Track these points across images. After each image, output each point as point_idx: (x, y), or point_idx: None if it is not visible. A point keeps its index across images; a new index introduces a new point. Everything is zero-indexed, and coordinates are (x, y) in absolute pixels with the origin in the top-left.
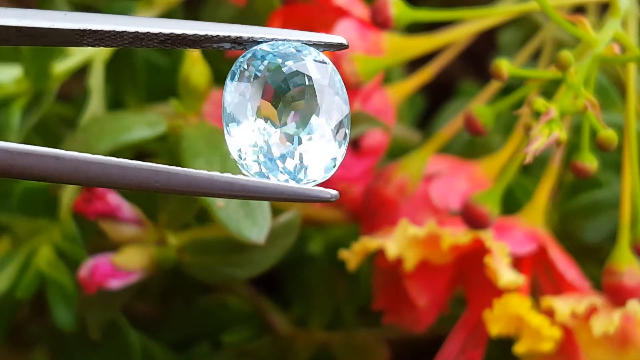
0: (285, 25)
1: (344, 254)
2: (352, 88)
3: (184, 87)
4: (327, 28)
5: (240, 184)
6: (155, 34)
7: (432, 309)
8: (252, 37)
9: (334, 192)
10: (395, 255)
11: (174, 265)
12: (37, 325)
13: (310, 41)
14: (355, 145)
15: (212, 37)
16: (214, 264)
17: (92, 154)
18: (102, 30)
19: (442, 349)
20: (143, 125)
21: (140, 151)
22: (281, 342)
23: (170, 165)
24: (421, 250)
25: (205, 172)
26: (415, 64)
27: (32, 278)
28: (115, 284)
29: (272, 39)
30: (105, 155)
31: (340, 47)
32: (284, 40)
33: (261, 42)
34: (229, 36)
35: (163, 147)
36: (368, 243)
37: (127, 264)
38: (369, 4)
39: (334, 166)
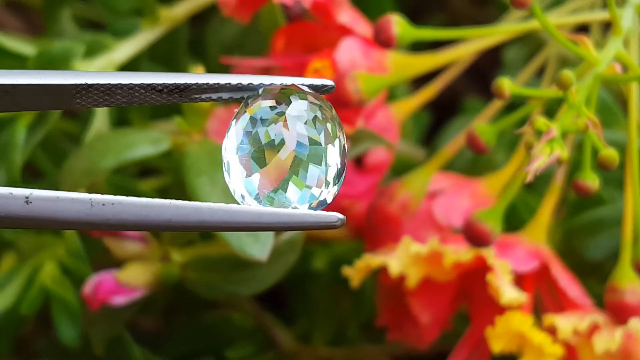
0: (289, 43)
1: (347, 270)
2: (356, 106)
3: (188, 105)
4: (330, 46)
5: (245, 214)
6: (150, 84)
7: (435, 326)
8: (251, 83)
9: (340, 215)
10: (398, 273)
11: (178, 282)
12: (42, 340)
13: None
14: (359, 162)
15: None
16: (217, 281)
17: (98, 170)
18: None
19: None
20: (147, 142)
21: (144, 168)
22: (285, 358)
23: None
24: (424, 268)
25: (213, 205)
26: (420, 80)
27: (36, 294)
28: (119, 300)
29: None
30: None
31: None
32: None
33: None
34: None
35: (167, 164)
36: (371, 260)
37: (131, 280)
38: (373, 22)
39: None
